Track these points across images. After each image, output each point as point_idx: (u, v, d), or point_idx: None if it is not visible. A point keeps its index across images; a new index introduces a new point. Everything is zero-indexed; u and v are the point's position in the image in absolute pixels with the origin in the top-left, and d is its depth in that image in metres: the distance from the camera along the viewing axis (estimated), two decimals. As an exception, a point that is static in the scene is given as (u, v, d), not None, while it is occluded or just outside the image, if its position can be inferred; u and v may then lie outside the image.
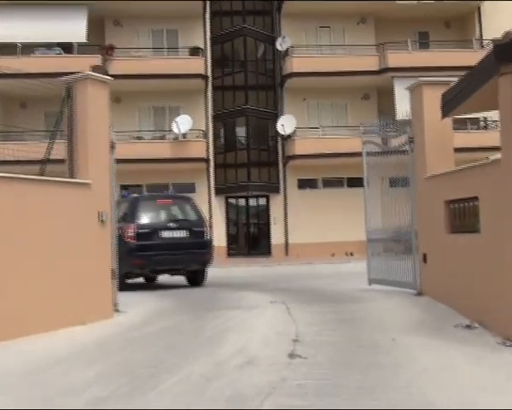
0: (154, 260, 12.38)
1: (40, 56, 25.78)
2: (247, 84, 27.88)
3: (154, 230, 12.58)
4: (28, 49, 25.98)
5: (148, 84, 26.37)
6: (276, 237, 27.92)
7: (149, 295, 11.16)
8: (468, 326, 6.90)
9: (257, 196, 28.36)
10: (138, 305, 9.35)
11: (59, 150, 8.06)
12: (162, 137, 27.22)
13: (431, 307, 8.03)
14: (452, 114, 8.19)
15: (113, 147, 8.80)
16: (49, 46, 26.17)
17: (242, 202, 28.51)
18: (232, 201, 28.38)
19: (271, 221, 28.06)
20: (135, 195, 14.39)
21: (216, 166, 27.96)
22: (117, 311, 8.45)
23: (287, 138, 27.29)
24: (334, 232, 27.34)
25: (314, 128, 27.50)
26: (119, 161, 24.97)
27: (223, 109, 27.93)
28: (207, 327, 7.11)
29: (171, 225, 12.74)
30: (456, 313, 7.49)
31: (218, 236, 27.32)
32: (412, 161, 9.62)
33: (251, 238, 28.44)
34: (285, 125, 26.64)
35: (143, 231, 12.43)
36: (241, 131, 27.94)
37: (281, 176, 28.21)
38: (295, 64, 26.89)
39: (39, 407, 4.28)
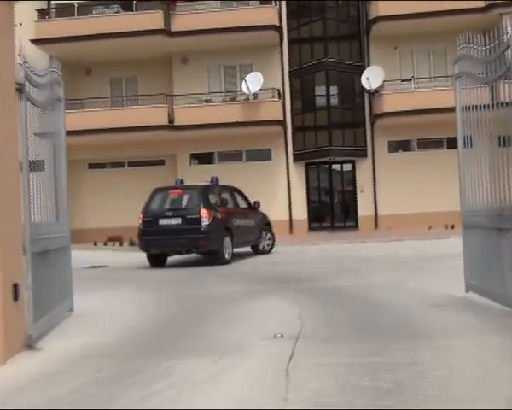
0: (153, 243, 14.14)
1: (97, 16, 23.18)
2: (326, 34, 23.76)
3: (155, 218, 14.15)
4: (85, 8, 23.48)
5: (216, 41, 23.01)
6: (364, 207, 23.89)
7: (140, 292, 7.95)
8: None
9: (341, 162, 24.36)
10: (89, 324, 6.14)
11: None
12: (233, 99, 23.84)
13: None
14: None
15: (21, 91, 5.41)
16: (107, 5, 23.48)
17: (325, 168, 24.63)
18: (313, 168, 24.58)
19: (358, 190, 24.05)
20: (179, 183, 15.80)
21: (293, 129, 24.22)
22: (29, 347, 5.22)
23: (374, 94, 23.02)
24: (431, 201, 22.99)
25: (406, 80, 23.01)
26: (186, 127, 22.09)
27: (300, 64, 24.04)
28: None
29: (168, 213, 14.08)
30: None
31: (298, 208, 23.79)
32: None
33: (335, 210, 24.57)
34: (371, 78, 22.36)
35: (148, 219, 14.22)
36: (321, 89, 23.93)
37: (368, 138, 24.01)
38: (383, 6, 22.38)
39: None
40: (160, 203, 14.62)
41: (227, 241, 14.42)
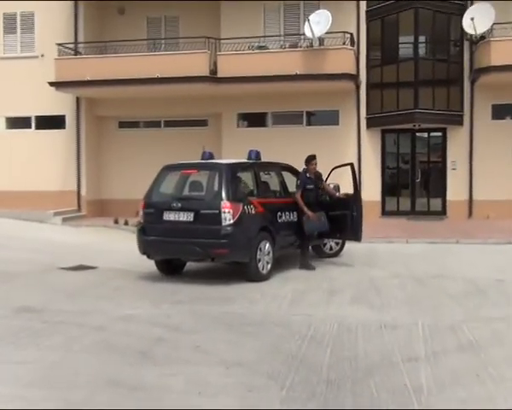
0: (155, 246, 9.66)
1: None
2: (418, -38, 17.72)
3: (158, 210, 9.62)
4: None
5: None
6: (456, 189, 18.11)
7: None
8: None
9: (428, 130, 18.57)
10: None
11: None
12: (294, 46, 18.34)
13: None
14: None
15: None
16: None
17: (406, 137, 18.84)
18: (391, 136, 18.91)
19: (449, 166, 18.27)
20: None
21: (369, 86, 18.49)
22: None
23: (478, 42, 16.98)
24: (548, 186, 17.14)
25: (523, 24, 16.82)
26: (232, 79, 16.68)
27: (381, 2, 18.19)
28: None
29: (175, 204, 9.40)
30: None
31: (370, 186, 18.24)
32: None
33: (418, 191, 18.81)
34: (476, 19, 16.31)
35: (149, 210, 9.78)
36: (407, 34, 18.00)
37: (466, 100, 18.01)
38: None
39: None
40: (168, 188, 10.17)
41: (265, 247, 9.64)
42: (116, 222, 17.38)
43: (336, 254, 11.72)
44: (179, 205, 9.33)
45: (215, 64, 17.86)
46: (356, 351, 5.65)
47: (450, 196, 18.20)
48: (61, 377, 5.00)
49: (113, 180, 20.24)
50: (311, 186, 10.47)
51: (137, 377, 5.01)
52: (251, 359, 5.45)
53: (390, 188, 18.85)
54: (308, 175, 10.56)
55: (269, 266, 9.65)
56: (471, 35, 16.70)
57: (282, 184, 10.87)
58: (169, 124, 20.15)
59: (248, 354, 5.58)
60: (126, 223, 16.83)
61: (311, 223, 10.31)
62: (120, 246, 13.57)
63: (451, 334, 6.23)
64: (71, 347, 5.87)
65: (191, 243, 9.11)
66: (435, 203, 18.49)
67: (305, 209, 10.28)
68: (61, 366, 5.28)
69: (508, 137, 17.62)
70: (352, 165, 11.16)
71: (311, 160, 10.61)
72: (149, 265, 10.13)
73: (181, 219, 9.27)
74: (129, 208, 18.33)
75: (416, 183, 18.72)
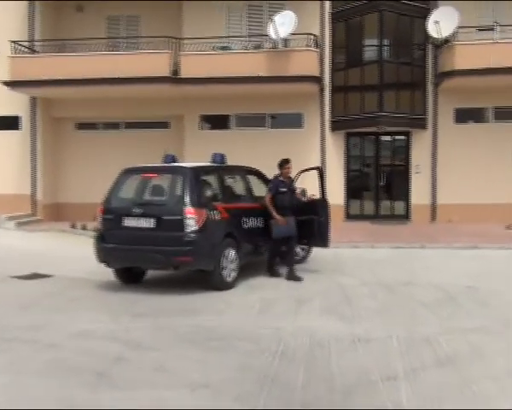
0: (114, 254, 9.02)
1: None
2: (382, -36, 17.61)
3: (118, 216, 9.03)
4: None
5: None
6: (419, 192, 18.06)
7: None
8: None
9: (392, 134, 18.49)
10: None
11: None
12: (258, 47, 17.99)
13: None
14: None
15: None
16: None
17: (370, 141, 18.75)
18: (355, 139, 18.76)
19: (412, 170, 18.22)
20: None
21: (333, 88, 18.31)
22: None
23: (441, 45, 16.96)
24: (508, 190, 17.24)
25: (486, 29, 16.86)
26: (194, 80, 15.90)
27: (346, 4, 18.02)
28: None
29: (136, 210, 8.86)
30: None
31: (333, 189, 17.96)
32: None
33: (381, 195, 18.72)
34: (441, 22, 16.26)
35: (108, 216, 9.15)
36: (371, 37, 17.87)
37: (429, 103, 17.98)
38: None
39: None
40: (128, 193, 9.52)
41: (229, 254, 9.19)
42: (73, 227, 16.71)
43: (303, 260, 11.38)
44: (140, 211, 8.83)
45: (177, 65, 17.37)
46: (330, 369, 5.28)
47: (413, 199, 18.14)
48: (8, 404, 4.48)
49: (71, 183, 19.53)
50: (285, 189, 10.06)
51: (94, 402, 4.54)
52: (218, 379, 5.03)
53: (354, 191, 18.68)
54: (282, 179, 10.18)
55: (234, 273, 9.25)
56: (435, 38, 16.65)
57: (248, 188, 10.46)
58: (129, 126, 19.55)
59: (215, 374, 5.15)
60: (84, 228, 16.17)
61: (279, 227, 9.93)
62: (78, 252, 12.92)
63: (428, 347, 5.93)
64: (21, 367, 5.34)
65: (153, 251, 8.62)
66: (399, 207, 18.42)
67: (274, 213, 9.91)
68: (9, 390, 4.76)
69: (471, 140, 17.66)
70: (319, 168, 10.85)
71: (284, 164, 10.21)
72: (108, 273, 9.59)
73: (142, 225, 8.77)
74: (87, 213, 17.60)
75: (380, 186, 18.60)
